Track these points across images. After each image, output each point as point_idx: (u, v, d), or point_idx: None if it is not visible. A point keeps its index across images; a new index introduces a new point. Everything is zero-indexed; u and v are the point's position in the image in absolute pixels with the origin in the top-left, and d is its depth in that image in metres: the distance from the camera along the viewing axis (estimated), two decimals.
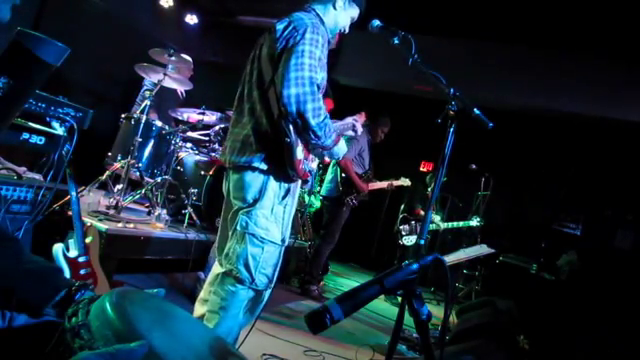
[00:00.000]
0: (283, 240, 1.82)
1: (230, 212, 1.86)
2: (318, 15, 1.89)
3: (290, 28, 1.72)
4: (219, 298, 1.75)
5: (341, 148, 1.92)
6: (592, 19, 4.90)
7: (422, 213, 5.21)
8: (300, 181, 1.89)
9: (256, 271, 1.73)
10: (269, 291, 1.83)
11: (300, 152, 1.76)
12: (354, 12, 1.99)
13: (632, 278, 5.02)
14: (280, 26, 1.75)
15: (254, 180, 1.75)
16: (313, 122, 1.64)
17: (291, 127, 1.69)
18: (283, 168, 1.76)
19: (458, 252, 3.32)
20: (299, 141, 1.74)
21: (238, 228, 1.75)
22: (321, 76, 1.73)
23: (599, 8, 4.66)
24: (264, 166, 1.74)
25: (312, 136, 1.69)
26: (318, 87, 1.69)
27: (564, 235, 7.13)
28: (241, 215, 1.75)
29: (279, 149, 1.72)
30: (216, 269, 1.90)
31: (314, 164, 1.88)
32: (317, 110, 1.64)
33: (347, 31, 2.03)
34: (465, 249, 3.44)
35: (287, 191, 1.81)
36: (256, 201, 1.75)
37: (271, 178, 1.76)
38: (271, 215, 1.76)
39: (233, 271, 1.73)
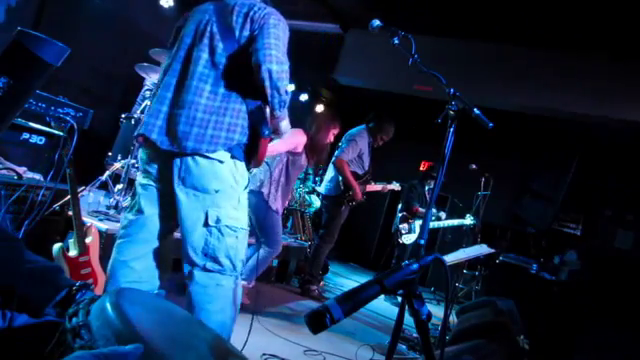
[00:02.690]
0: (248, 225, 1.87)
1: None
2: None
3: (262, 13, 1.72)
4: (203, 295, 1.71)
5: (286, 126, 1.98)
6: (592, 19, 4.91)
7: (420, 210, 5.21)
8: None
9: (236, 259, 1.75)
10: (241, 276, 1.85)
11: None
12: None
13: (632, 278, 5.02)
14: (245, 9, 1.74)
15: (220, 170, 1.70)
16: (285, 97, 1.71)
17: (268, 116, 1.76)
18: (249, 158, 1.79)
19: (458, 252, 3.31)
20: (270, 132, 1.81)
21: (211, 223, 1.70)
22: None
23: (599, 8, 4.66)
24: (229, 157, 1.71)
25: (278, 109, 1.74)
26: None
27: (564, 235, 7.14)
28: (210, 211, 1.70)
29: (251, 139, 1.75)
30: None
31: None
32: (285, 87, 1.71)
33: None
34: (465, 249, 3.43)
35: (248, 179, 1.83)
36: (219, 192, 1.70)
37: (237, 169, 1.74)
38: (238, 204, 1.77)
39: (214, 265, 1.71)
